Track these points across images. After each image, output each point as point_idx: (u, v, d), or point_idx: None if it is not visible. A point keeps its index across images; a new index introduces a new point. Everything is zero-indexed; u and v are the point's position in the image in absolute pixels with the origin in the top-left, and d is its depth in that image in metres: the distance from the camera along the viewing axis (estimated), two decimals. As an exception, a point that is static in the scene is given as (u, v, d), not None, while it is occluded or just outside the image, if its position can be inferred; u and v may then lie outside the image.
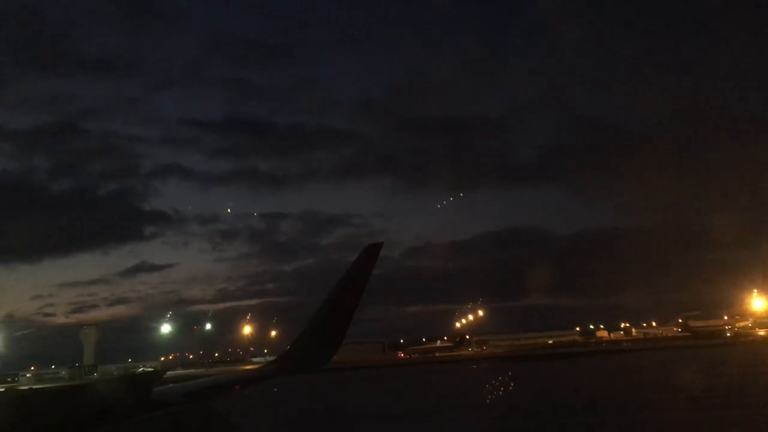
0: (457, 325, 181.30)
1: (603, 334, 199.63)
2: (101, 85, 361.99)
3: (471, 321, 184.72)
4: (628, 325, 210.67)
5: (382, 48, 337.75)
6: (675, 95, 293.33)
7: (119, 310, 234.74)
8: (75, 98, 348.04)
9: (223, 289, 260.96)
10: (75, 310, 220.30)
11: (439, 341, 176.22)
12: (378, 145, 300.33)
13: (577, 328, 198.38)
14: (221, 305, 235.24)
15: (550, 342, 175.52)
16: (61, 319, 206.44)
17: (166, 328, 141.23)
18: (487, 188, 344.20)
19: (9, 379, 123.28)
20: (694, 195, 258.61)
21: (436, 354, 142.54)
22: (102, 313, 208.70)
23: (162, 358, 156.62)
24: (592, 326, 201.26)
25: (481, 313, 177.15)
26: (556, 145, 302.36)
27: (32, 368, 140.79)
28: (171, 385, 14.55)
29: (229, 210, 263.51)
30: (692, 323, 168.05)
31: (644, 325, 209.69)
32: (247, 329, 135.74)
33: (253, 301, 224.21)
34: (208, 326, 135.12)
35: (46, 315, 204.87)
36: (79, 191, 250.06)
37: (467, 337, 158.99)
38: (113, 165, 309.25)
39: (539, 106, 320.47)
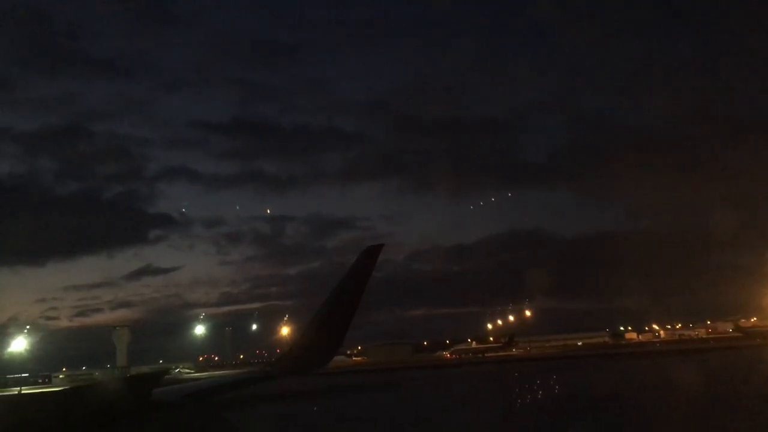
0: (489, 326, 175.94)
1: (632, 335, 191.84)
2: (108, 86, 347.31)
3: (498, 323, 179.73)
4: (656, 326, 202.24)
5: (390, 48, 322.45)
6: (685, 96, 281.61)
7: (123, 314, 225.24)
8: (81, 100, 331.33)
9: (227, 293, 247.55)
10: (78, 314, 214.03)
11: (474, 342, 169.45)
12: (385, 146, 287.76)
13: (606, 330, 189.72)
14: (225, 309, 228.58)
15: (579, 344, 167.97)
16: (64, 323, 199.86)
17: (199, 330, 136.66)
18: (494, 190, 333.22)
19: (40, 381, 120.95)
20: (706, 196, 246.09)
21: (486, 354, 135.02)
22: (105, 317, 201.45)
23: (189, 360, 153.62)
24: (622, 327, 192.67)
25: (508, 315, 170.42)
26: (564, 146, 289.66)
27: (64, 369, 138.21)
28: (171, 386, 14.34)
29: (268, 211, 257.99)
30: (743, 323, 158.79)
31: (668, 327, 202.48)
32: (283, 331, 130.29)
33: (257, 305, 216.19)
34: (253, 327, 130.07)
35: (49, 318, 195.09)
36: (85, 194, 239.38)
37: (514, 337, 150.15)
38: (119, 167, 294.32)
39: (547, 107, 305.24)
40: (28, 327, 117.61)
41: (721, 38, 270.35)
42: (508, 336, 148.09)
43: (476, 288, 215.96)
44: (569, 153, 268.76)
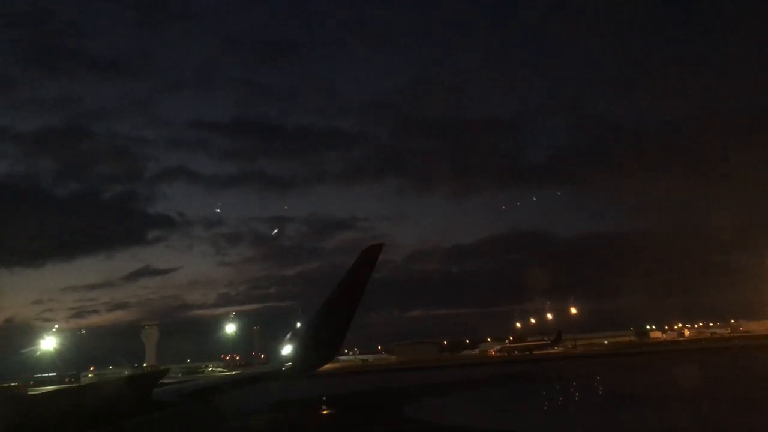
0: (518, 325, 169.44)
1: (657, 334, 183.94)
2: (109, 86, 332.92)
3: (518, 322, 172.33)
4: (681, 325, 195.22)
5: (393, 49, 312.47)
6: (687, 97, 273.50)
7: (119, 315, 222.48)
8: (82, 100, 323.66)
9: (226, 294, 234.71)
10: (75, 315, 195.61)
11: (504, 340, 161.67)
12: (386, 147, 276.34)
13: (631, 329, 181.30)
14: (222, 309, 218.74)
15: (605, 342, 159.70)
16: (60, 324, 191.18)
17: (224, 329, 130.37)
18: (496, 191, 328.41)
19: (67, 380, 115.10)
20: (716, 196, 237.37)
21: (534, 351, 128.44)
22: (102, 318, 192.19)
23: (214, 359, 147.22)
24: (648, 327, 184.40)
25: (526, 315, 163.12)
26: (566, 146, 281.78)
27: (92, 368, 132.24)
28: (170, 386, 14.58)
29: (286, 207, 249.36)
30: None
31: (687, 326, 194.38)
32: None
33: (255, 306, 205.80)
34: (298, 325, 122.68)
35: (46, 320, 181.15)
36: (84, 194, 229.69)
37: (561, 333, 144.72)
38: (119, 168, 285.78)
39: (549, 109, 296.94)
40: (56, 326, 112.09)
41: (724, 40, 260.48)
42: (556, 333, 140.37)
43: (483, 288, 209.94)
44: (571, 154, 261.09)
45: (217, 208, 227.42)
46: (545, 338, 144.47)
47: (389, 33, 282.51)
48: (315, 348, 14.11)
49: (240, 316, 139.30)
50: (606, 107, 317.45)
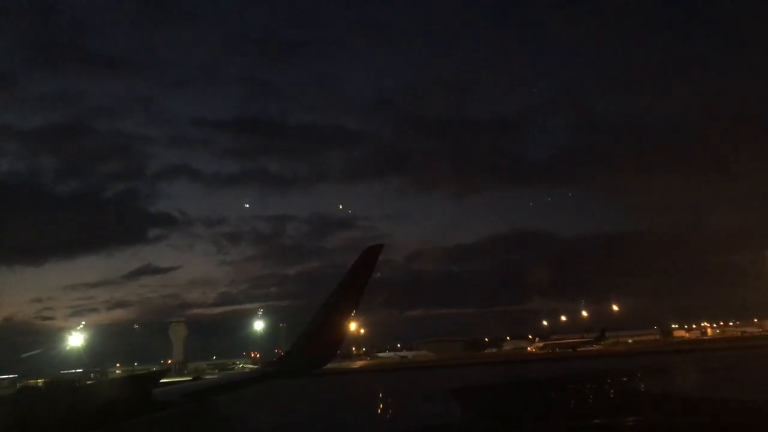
0: (544, 323, 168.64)
1: (681, 333, 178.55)
2: (111, 83, 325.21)
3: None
4: (706, 324, 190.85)
5: (396, 47, 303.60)
6: (690, 96, 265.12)
7: (118, 314, 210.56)
8: (84, 97, 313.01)
9: (226, 292, 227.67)
10: (74, 314, 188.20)
11: (524, 339, 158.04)
12: (387, 146, 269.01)
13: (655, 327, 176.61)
14: (222, 309, 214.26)
15: (630, 341, 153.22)
16: (60, 323, 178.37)
17: (258, 325, 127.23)
18: (497, 190, 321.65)
19: (92, 376, 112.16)
20: (710, 197, 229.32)
21: (578, 348, 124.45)
22: (101, 317, 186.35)
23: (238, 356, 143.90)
24: (674, 325, 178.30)
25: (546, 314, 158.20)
26: (568, 146, 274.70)
27: (117, 365, 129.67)
28: (171, 386, 14.13)
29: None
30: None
31: (709, 325, 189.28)
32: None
33: (256, 305, 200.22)
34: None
35: (45, 318, 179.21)
36: (86, 192, 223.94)
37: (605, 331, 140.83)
38: (120, 165, 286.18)
39: (550, 108, 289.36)
40: (83, 323, 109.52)
41: (724, 40, 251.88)
42: (600, 330, 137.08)
43: (484, 288, 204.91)
44: (572, 153, 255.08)
45: (245, 203, 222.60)
46: (584, 336, 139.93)
47: (390, 32, 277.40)
48: (316, 348, 14.10)
49: (267, 313, 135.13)
50: (606, 107, 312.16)
